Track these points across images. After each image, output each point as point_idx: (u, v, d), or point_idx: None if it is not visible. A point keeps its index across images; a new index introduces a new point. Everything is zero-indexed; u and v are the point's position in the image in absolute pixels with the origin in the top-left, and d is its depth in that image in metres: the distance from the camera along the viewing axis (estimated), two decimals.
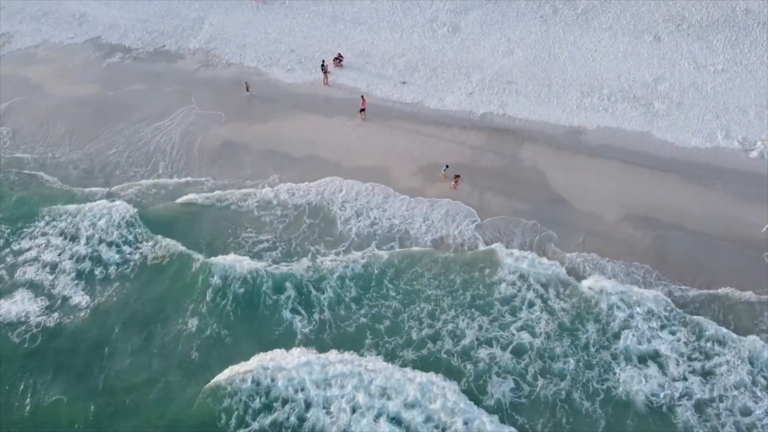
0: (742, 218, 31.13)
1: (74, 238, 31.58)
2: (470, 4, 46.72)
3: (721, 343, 26.36)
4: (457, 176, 33.23)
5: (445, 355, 26.42)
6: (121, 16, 48.80)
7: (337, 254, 30.45)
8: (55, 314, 28.42)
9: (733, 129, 35.77)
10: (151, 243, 31.19)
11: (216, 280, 29.04)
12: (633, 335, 26.65)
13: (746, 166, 33.75)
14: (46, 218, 32.64)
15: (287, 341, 27.12)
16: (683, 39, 42.17)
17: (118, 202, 33.05)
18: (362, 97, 37.95)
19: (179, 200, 33.43)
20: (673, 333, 26.78)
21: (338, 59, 41.94)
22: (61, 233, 31.88)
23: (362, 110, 37.73)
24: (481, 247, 30.48)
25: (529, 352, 26.46)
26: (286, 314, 28.05)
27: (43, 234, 31.95)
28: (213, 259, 29.88)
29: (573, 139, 35.92)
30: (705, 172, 33.47)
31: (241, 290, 28.73)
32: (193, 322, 27.86)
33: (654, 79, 39.35)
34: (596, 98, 38.35)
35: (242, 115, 38.90)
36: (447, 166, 33.62)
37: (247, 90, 40.26)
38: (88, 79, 42.86)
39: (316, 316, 28.00)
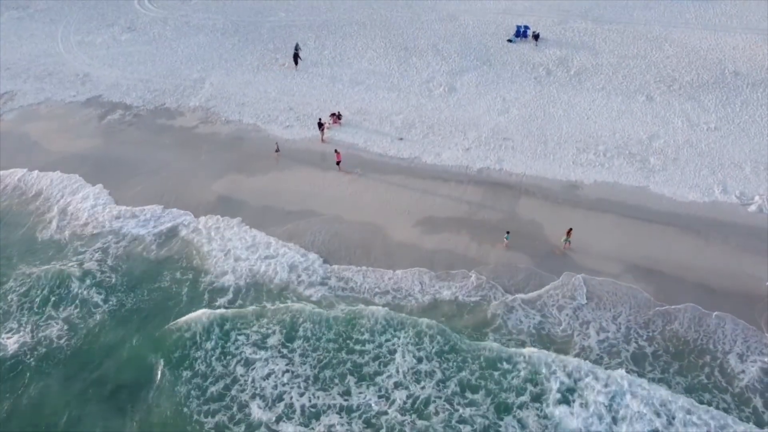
0: (743, 271, 30.62)
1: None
2: (465, 66, 47.89)
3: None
4: (569, 231, 31.88)
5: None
6: (123, 76, 49.77)
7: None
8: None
9: (729, 184, 35.78)
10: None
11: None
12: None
13: (745, 220, 33.51)
14: None
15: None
16: (675, 99, 42.96)
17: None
18: (336, 150, 38.20)
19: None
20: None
21: (336, 116, 42.44)
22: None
23: (338, 163, 37.91)
24: (481, 305, 29.88)
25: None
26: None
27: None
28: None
29: (570, 193, 35.84)
30: (704, 226, 33.18)
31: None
32: None
33: (648, 136, 39.75)
34: (592, 154, 38.57)
35: (239, 170, 38.89)
36: (508, 233, 32.36)
37: (277, 150, 40.12)
38: (88, 134, 43.16)
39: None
